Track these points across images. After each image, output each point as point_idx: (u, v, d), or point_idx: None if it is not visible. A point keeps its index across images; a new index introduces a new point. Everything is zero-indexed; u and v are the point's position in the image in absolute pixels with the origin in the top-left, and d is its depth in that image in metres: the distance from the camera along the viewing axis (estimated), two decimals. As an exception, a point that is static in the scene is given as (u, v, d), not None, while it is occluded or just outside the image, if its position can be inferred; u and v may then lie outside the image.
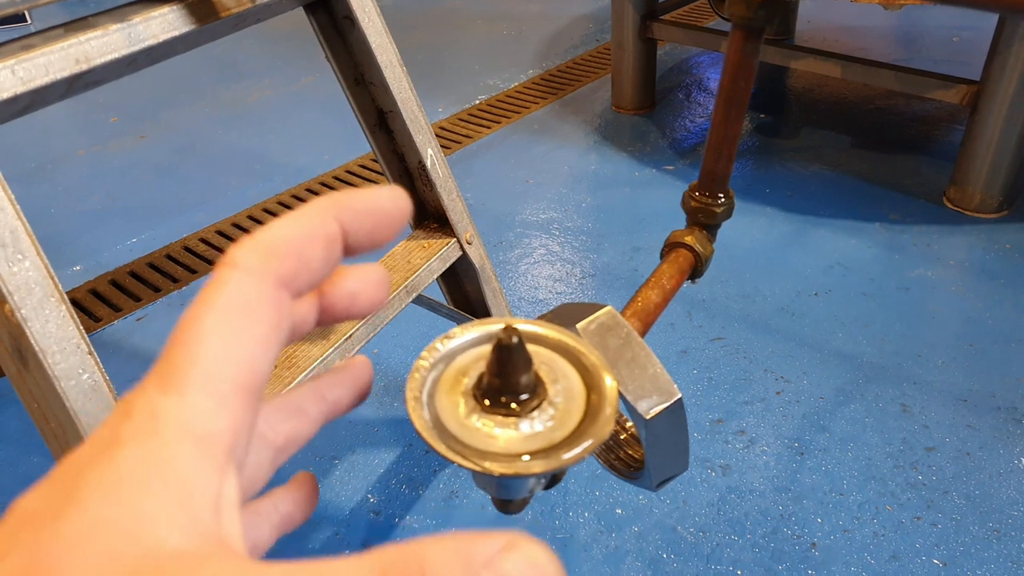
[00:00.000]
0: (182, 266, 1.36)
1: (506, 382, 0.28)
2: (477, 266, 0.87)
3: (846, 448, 0.96)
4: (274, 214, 1.49)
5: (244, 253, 0.21)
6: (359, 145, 1.67)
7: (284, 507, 0.29)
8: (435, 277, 0.83)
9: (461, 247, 0.85)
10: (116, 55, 0.53)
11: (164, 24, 0.57)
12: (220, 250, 1.39)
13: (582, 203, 1.50)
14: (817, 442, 0.97)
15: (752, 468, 0.94)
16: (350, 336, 0.73)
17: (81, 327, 0.49)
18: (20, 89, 0.48)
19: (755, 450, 0.96)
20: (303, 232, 0.23)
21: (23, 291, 0.46)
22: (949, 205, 1.43)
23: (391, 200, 0.25)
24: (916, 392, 1.04)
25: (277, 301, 0.21)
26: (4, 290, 0.46)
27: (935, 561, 0.83)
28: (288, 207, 1.51)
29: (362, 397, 0.30)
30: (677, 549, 0.85)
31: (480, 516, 0.90)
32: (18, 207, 0.47)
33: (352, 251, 0.25)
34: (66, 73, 0.51)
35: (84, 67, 0.51)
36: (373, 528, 0.89)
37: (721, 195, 0.55)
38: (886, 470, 0.93)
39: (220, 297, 0.20)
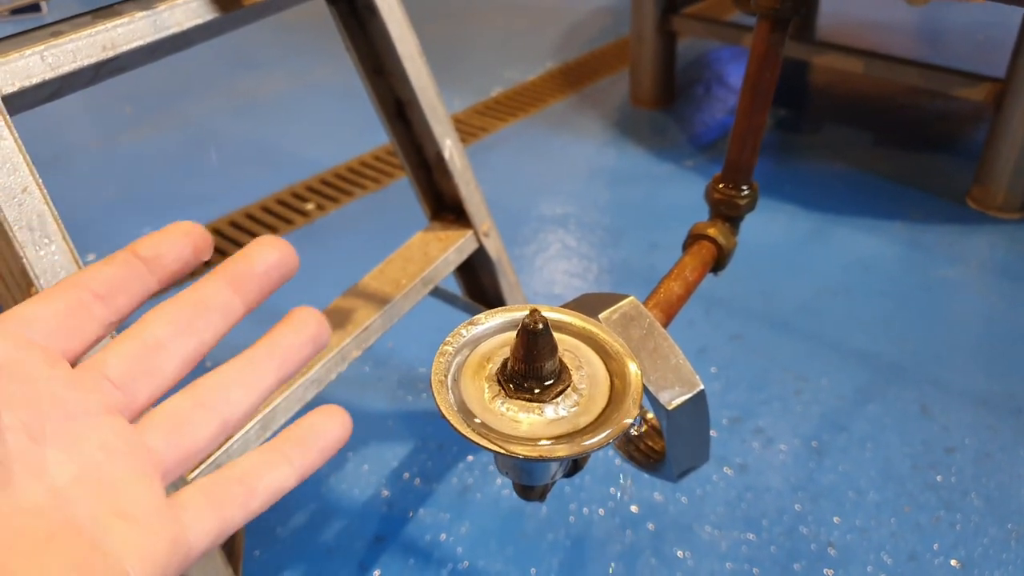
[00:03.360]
0: (200, 256, 1.37)
1: (531, 367, 0.28)
2: (494, 259, 0.87)
3: (864, 448, 0.95)
4: (288, 205, 1.49)
5: None
6: (373, 137, 1.67)
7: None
8: (452, 269, 0.83)
9: (478, 239, 0.85)
10: (141, 42, 0.54)
11: (188, 12, 0.57)
12: (233, 241, 1.40)
13: (599, 198, 1.50)
14: (835, 442, 0.96)
15: (769, 467, 0.93)
16: (367, 327, 0.73)
17: (103, 311, 0.49)
18: (49, 75, 0.49)
19: (772, 449, 0.96)
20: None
21: (49, 275, 0.47)
22: (972, 205, 1.41)
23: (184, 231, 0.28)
24: (936, 393, 1.03)
25: None
26: (31, 273, 0.46)
27: (952, 562, 0.82)
28: (302, 198, 1.51)
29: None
30: (693, 547, 0.85)
31: (495, 510, 0.90)
32: (45, 191, 0.48)
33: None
34: (93, 60, 0.51)
35: (111, 54, 0.52)
36: (386, 521, 0.89)
37: (745, 187, 0.55)
38: (905, 470, 0.92)
39: None
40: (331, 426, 0.28)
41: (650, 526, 0.87)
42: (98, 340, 0.26)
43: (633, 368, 0.30)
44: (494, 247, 0.87)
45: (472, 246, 0.84)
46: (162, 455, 0.26)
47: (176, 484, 0.46)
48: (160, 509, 0.25)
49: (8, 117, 0.46)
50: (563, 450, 0.27)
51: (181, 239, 0.28)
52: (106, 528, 0.23)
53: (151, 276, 0.27)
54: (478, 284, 0.93)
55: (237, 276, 0.28)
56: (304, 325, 0.29)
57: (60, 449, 0.24)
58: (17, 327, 0.25)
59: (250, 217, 1.47)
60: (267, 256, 0.29)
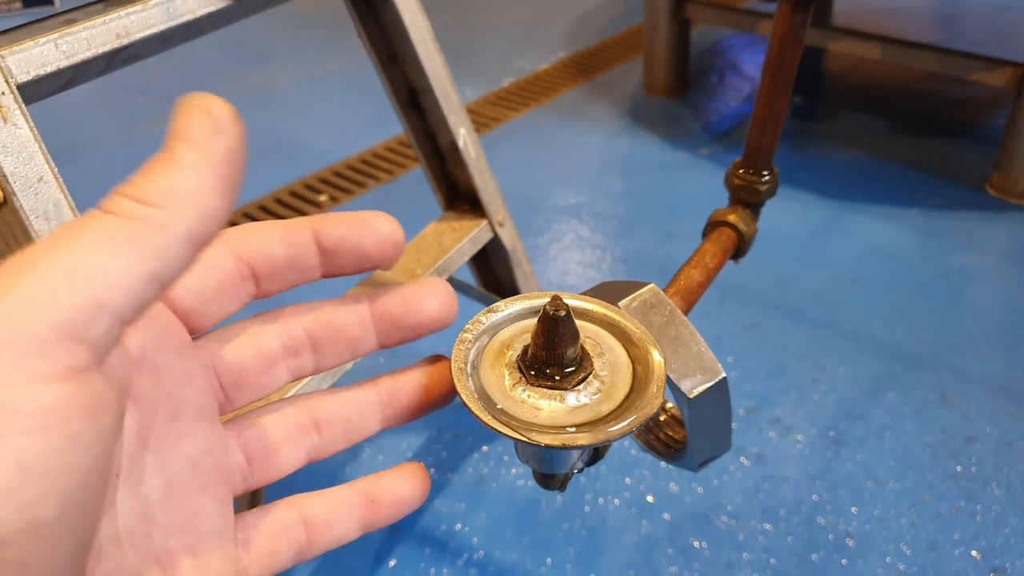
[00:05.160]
0: (214, 248, 1.37)
1: (552, 354, 0.28)
2: (509, 248, 0.87)
3: (883, 437, 0.94)
4: (301, 197, 1.49)
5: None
6: (386, 128, 1.66)
7: None
8: (466, 259, 0.83)
9: (493, 229, 0.84)
10: (155, 30, 0.53)
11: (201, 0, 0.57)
12: (251, 232, 1.40)
13: (613, 187, 1.49)
14: (853, 431, 0.95)
15: (787, 456, 0.93)
16: (383, 316, 0.72)
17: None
18: (63, 63, 0.48)
19: (790, 438, 0.95)
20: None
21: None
22: (991, 192, 1.40)
23: (374, 216, 0.26)
24: (956, 381, 1.01)
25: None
26: (45, 262, 0.46)
27: (973, 553, 0.81)
28: (315, 190, 1.51)
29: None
30: (709, 537, 0.84)
31: (510, 501, 0.89)
32: (61, 180, 0.48)
33: (331, 253, 0.25)
34: (107, 47, 0.51)
35: (124, 41, 0.51)
36: (403, 509, 0.89)
37: (766, 172, 0.54)
38: (924, 460, 0.92)
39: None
40: (408, 489, 0.27)
41: (666, 516, 0.86)
42: (227, 317, 0.25)
43: (656, 355, 0.29)
44: (509, 237, 0.86)
45: (487, 236, 0.84)
46: (247, 481, 0.25)
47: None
48: (226, 549, 0.24)
49: (24, 106, 0.46)
50: (585, 438, 0.26)
51: (370, 237, 0.25)
52: (177, 567, 0.22)
53: (318, 270, 0.25)
54: (492, 274, 0.92)
55: (386, 317, 0.27)
56: (432, 386, 0.27)
57: (157, 455, 0.23)
58: (167, 292, 0.22)
59: (263, 209, 1.47)
60: (427, 306, 0.27)
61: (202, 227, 0.20)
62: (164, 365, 0.23)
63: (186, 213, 0.20)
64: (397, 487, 0.27)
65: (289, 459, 0.26)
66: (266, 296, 0.25)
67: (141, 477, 0.22)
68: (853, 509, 0.86)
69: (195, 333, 0.25)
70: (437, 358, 0.29)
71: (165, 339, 0.23)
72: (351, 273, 0.26)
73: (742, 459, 0.92)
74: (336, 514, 0.26)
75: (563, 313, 0.27)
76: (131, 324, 0.19)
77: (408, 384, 0.28)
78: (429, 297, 0.27)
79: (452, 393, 0.28)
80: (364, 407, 0.27)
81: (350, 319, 0.27)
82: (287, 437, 0.26)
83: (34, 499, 0.17)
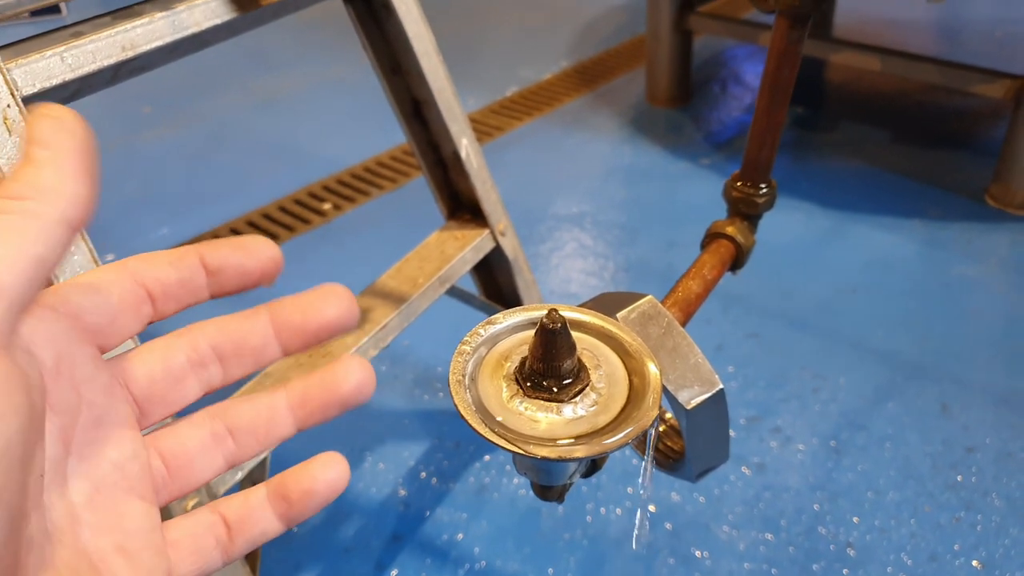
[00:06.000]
0: (218, 256, 1.38)
1: (549, 367, 0.28)
2: (510, 258, 0.87)
3: (884, 447, 0.95)
4: (305, 205, 1.50)
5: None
6: (390, 136, 1.67)
7: None
8: (468, 268, 0.83)
9: (494, 238, 0.85)
10: (160, 42, 0.54)
11: (207, 12, 0.57)
12: (255, 240, 1.41)
13: (616, 196, 1.49)
14: (854, 441, 0.96)
15: (787, 466, 0.93)
16: (384, 326, 0.73)
17: (124, 310, 0.50)
18: (69, 76, 0.49)
19: (791, 448, 0.95)
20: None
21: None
22: (991, 202, 1.40)
23: (253, 238, 0.27)
24: (956, 391, 1.02)
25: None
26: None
27: (974, 563, 0.81)
28: (319, 198, 1.52)
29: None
30: (711, 546, 0.84)
31: (512, 510, 0.90)
32: (64, 191, 0.48)
33: (216, 272, 0.27)
34: (113, 60, 0.51)
35: (130, 54, 0.52)
36: (403, 520, 0.89)
37: (763, 185, 0.54)
38: (925, 470, 0.92)
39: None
40: (320, 480, 0.28)
41: (668, 526, 0.86)
42: (130, 337, 0.26)
43: (652, 367, 0.30)
44: (510, 246, 0.87)
45: (489, 245, 0.84)
46: (168, 488, 0.27)
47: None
48: (155, 547, 0.25)
49: (30, 118, 0.47)
50: (582, 450, 0.27)
51: (252, 258, 0.27)
52: (108, 564, 0.24)
53: (206, 290, 0.27)
54: (494, 283, 0.93)
55: (287, 325, 0.28)
56: (346, 375, 0.28)
57: (81, 460, 0.24)
58: (74, 310, 0.24)
59: (267, 216, 1.48)
60: (326, 310, 0.28)
61: (73, 210, 0.22)
62: (82, 376, 0.24)
63: (55, 201, 0.22)
64: (305, 479, 0.28)
65: (206, 468, 0.28)
66: (163, 317, 0.27)
67: (65, 480, 0.24)
68: (854, 519, 0.87)
69: (104, 352, 0.26)
70: (352, 356, 0.29)
71: (79, 352, 0.25)
72: (236, 291, 0.28)
73: (743, 468, 0.93)
74: (252, 512, 0.28)
75: (560, 326, 0.28)
76: (24, 310, 0.21)
77: (318, 383, 0.28)
78: (327, 301, 0.28)
79: (365, 391, 0.28)
80: (275, 412, 0.28)
81: (252, 329, 0.28)
82: (202, 446, 0.28)
83: None
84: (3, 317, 0.20)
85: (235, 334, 0.28)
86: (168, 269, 0.26)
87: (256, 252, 0.27)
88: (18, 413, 0.20)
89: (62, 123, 0.23)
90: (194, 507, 0.28)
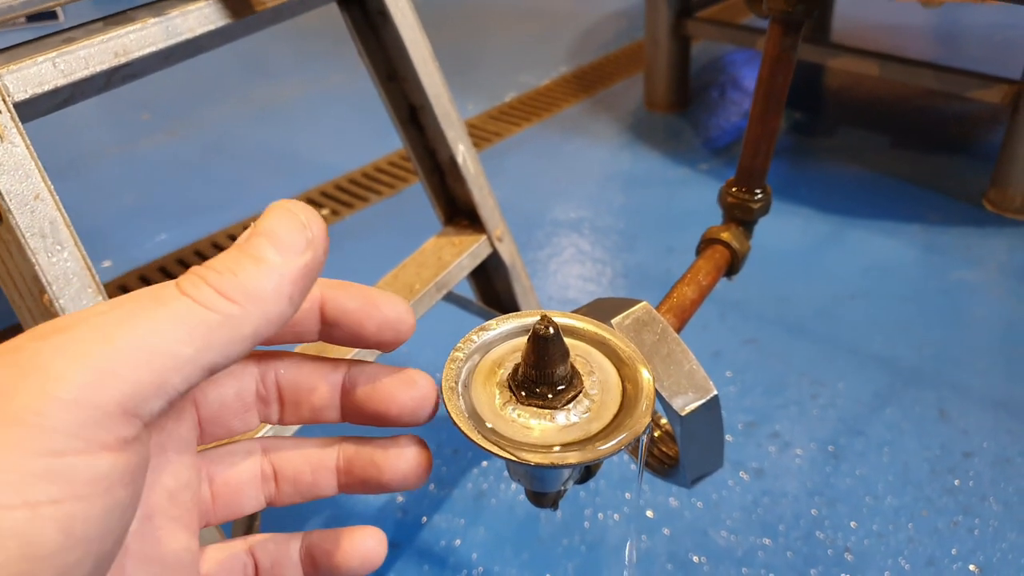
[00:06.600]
0: (215, 262, 1.38)
1: (542, 373, 0.28)
2: (508, 263, 0.87)
3: (882, 452, 0.94)
4: (306, 211, 1.50)
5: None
6: (388, 142, 1.67)
7: None
8: (465, 274, 0.83)
9: (492, 244, 0.85)
10: (154, 48, 0.54)
11: (201, 18, 0.57)
12: (253, 246, 1.41)
13: (614, 202, 1.49)
14: (852, 446, 0.95)
15: (786, 472, 0.93)
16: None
17: (118, 317, 0.50)
18: (61, 82, 0.49)
19: (789, 453, 0.95)
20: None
21: (61, 281, 0.47)
22: (989, 207, 1.40)
23: (387, 302, 0.26)
24: (955, 397, 1.01)
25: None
26: (43, 280, 0.46)
27: (971, 567, 0.81)
28: (318, 204, 1.52)
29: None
30: (708, 552, 0.84)
31: (509, 516, 0.89)
32: (57, 198, 0.48)
33: (330, 324, 0.25)
34: (105, 66, 0.51)
35: (123, 60, 0.52)
36: (400, 527, 0.89)
37: (758, 191, 0.54)
38: (923, 475, 0.91)
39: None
40: (363, 549, 0.27)
41: (665, 531, 0.86)
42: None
43: (645, 374, 0.30)
44: (508, 252, 0.87)
45: (486, 251, 0.84)
46: (208, 517, 0.26)
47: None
48: None
49: (20, 124, 0.47)
50: (575, 457, 0.27)
51: (372, 322, 0.26)
52: None
53: (315, 335, 0.26)
54: (492, 289, 0.93)
55: (354, 397, 0.27)
56: (398, 457, 0.27)
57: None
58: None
59: (265, 223, 1.48)
60: (400, 399, 0.27)
61: (268, 330, 0.21)
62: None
63: (258, 314, 0.20)
64: (340, 556, 0.27)
65: (249, 502, 0.27)
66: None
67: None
68: (852, 524, 0.86)
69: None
70: (413, 440, 0.28)
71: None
72: (346, 346, 0.27)
73: (741, 474, 0.92)
74: (283, 564, 0.27)
75: (552, 332, 0.27)
76: (171, 407, 0.20)
77: (369, 459, 0.27)
78: (405, 389, 0.27)
79: (411, 481, 0.28)
80: (322, 468, 0.27)
81: (320, 386, 0.27)
82: (251, 479, 0.27)
83: (73, 563, 0.17)
84: (156, 412, 0.19)
85: (305, 381, 0.26)
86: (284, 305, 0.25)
87: (379, 318, 0.26)
88: (134, 501, 0.20)
89: (306, 233, 0.22)
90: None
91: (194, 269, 0.21)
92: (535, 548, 0.85)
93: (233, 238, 1.43)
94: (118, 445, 0.18)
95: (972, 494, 0.89)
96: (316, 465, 0.27)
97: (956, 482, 0.90)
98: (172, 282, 0.20)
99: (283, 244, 0.21)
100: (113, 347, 0.18)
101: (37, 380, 0.17)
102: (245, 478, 0.27)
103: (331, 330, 0.26)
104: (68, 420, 0.17)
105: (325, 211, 1.50)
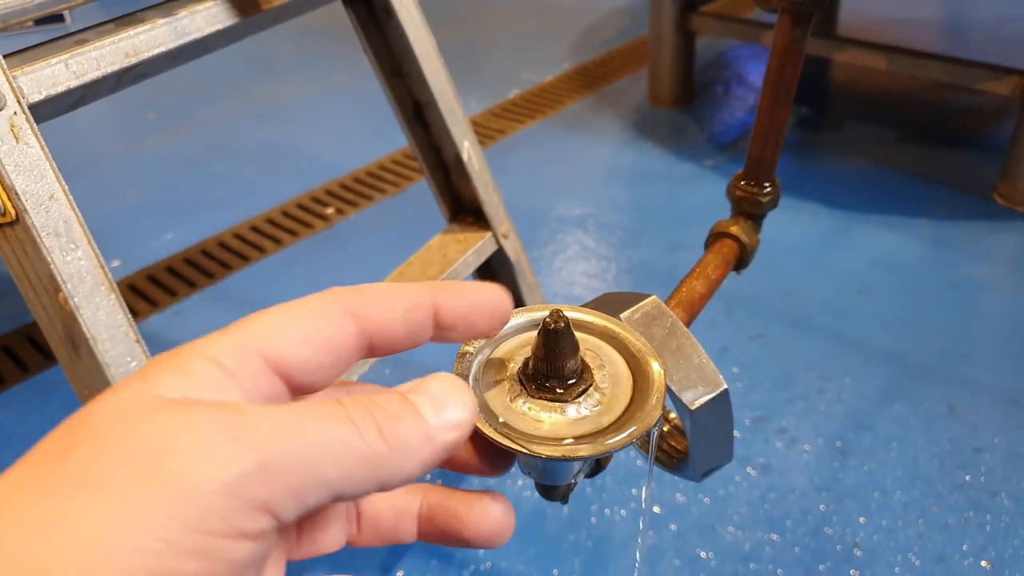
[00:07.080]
0: (217, 261, 1.38)
1: (552, 367, 0.28)
2: (513, 260, 0.87)
3: (890, 448, 0.94)
4: (307, 210, 1.50)
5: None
6: (392, 140, 1.67)
7: None
8: (471, 271, 0.83)
9: (497, 241, 0.85)
10: (163, 48, 0.54)
11: (208, 18, 0.58)
12: (254, 245, 1.41)
13: (618, 199, 1.49)
14: (860, 441, 0.95)
15: (793, 467, 0.92)
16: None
17: (129, 315, 0.50)
18: (74, 83, 0.49)
19: (796, 449, 0.95)
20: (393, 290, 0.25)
21: (75, 280, 0.47)
22: (999, 200, 1.39)
23: (490, 293, 0.26)
24: (964, 392, 1.01)
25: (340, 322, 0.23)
26: (58, 278, 0.47)
27: (983, 563, 0.81)
28: (322, 203, 1.52)
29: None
30: (716, 547, 0.84)
31: (516, 511, 0.89)
32: (71, 197, 0.48)
33: (446, 328, 0.26)
34: (116, 67, 0.52)
35: (133, 61, 0.52)
36: (410, 521, 0.89)
37: (767, 184, 0.54)
38: (932, 471, 0.91)
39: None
40: (491, 518, 0.27)
41: (673, 527, 0.86)
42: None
43: (656, 367, 0.30)
44: (513, 248, 0.87)
45: (491, 248, 0.84)
46: (292, 554, 0.26)
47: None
48: None
49: (35, 125, 0.47)
50: (586, 450, 0.27)
51: (484, 318, 0.26)
52: None
53: (428, 339, 0.26)
54: (498, 285, 0.93)
55: (432, 521, 0.27)
56: (484, 514, 0.27)
57: None
58: (283, 370, 0.23)
59: (271, 222, 1.48)
60: (480, 524, 0.27)
61: (392, 483, 0.22)
62: None
63: (402, 467, 0.21)
64: (473, 522, 0.27)
65: (332, 541, 0.27)
66: (369, 357, 0.26)
67: None
68: (860, 520, 0.86)
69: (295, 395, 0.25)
70: (498, 497, 0.28)
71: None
72: (457, 342, 0.27)
73: (748, 469, 0.92)
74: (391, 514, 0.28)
75: (563, 326, 0.27)
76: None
77: (448, 509, 0.28)
78: (485, 514, 0.27)
79: (495, 540, 0.28)
80: (405, 515, 0.28)
81: (387, 511, 0.28)
82: (337, 517, 0.27)
83: None
84: (291, 517, 0.20)
85: (384, 507, 0.27)
86: (400, 325, 0.25)
87: (489, 310, 0.26)
88: None
89: (464, 414, 0.23)
90: None
91: (361, 400, 0.22)
92: (542, 543, 0.86)
93: (239, 236, 1.44)
94: (255, 535, 0.19)
95: (983, 490, 0.89)
96: (400, 511, 0.28)
97: (967, 478, 0.90)
98: (339, 403, 0.21)
99: (444, 413, 0.23)
100: (281, 448, 0.20)
101: (202, 452, 0.19)
102: (334, 515, 0.27)
103: (445, 333, 0.26)
104: (222, 505, 0.18)
105: (330, 210, 1.50)
